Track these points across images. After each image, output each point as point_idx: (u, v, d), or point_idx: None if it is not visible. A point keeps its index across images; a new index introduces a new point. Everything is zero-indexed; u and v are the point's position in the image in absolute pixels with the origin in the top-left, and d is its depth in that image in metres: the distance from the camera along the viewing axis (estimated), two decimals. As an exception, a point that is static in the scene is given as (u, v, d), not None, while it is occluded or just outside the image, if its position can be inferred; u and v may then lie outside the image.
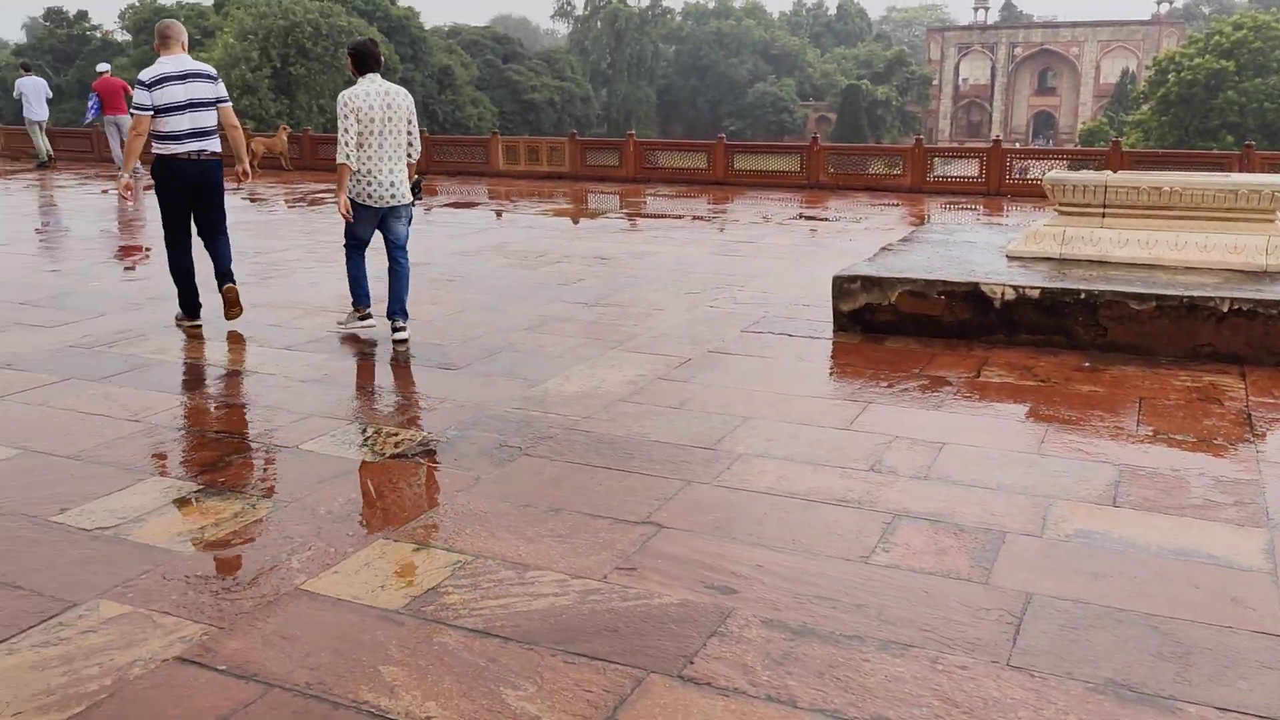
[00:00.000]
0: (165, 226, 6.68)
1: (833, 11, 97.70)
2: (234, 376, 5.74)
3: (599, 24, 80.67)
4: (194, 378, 5.81)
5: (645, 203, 14.26)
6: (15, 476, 4.28)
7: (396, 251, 6.54)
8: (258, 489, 4.16)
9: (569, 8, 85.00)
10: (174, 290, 6.85)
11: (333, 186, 6.60)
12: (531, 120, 65.32)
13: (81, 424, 4.95)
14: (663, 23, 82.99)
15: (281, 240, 10.43)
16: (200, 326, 6.81)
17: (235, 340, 6.51)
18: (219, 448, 4.63)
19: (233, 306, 6.70)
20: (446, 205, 13.76)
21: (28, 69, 20.51)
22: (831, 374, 5.88)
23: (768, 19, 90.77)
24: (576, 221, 12.54)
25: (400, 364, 5.97)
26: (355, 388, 5.61)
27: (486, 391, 5.41)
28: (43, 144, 19.41)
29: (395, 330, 6.41)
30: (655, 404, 5.19)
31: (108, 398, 5.37)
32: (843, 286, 6.54)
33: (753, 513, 3.89)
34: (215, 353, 6.24)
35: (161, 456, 4.55)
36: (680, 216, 12.78)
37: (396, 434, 4.78)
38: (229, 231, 6.88)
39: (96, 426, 4.92)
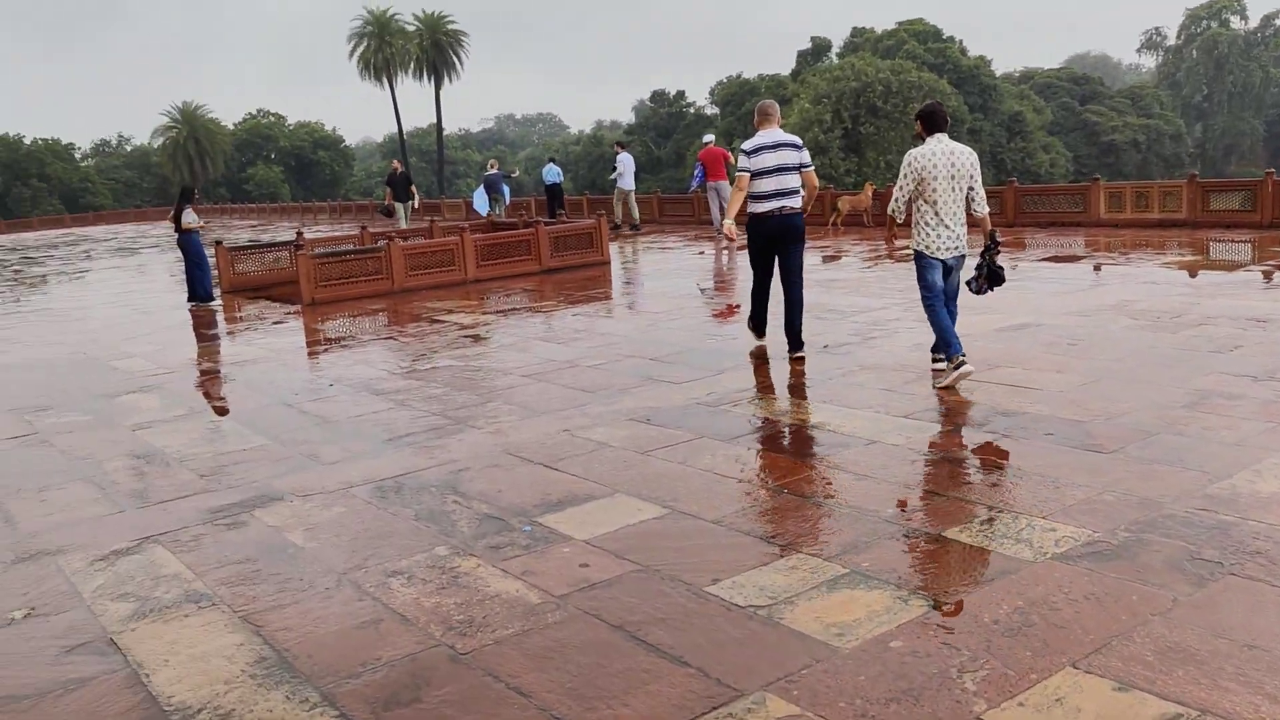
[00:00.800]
0: (752, 266, 7.98)
1: None
2: (857, 446, 5.50)
3: (1194, 53, 72.59)
4: (818, 445, 5.67)
5: (1290, 251, 11.98)
6: (668, 538, 4.37)
7: (949, 299, 6.80)
8: (905, 581, 3.78)
9: (1158, 38, 77.75)
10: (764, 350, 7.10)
11: (906, 242, 7.13)
12: (1110, 163, 60.40)
13: (718, 486, 5.01)
14: (1275, 44, 72.26)
15: (877, 298, 10.28)
16: (764, 346, 8.06)
17: (851, 404, 6.33)
18: (855, 526, 4.35)
19: (796, 366, 7.56)
20: (1043, 260, 12.74)
21: (623, 146, 23.42)
22: None
23: None
24: (1194, 275, 10.83)
25: (1039, 442, 5.30)
26: (992, 467, 5.05)
27: (1152, 484, 4.55)
28: (634, 210, 21.96)
29: (936, 363, 6.86)
30: (1404, 520, 3.95)
31: (738, 460, 5.42)
32: None
33: None
34: (834, 418, 6.09)
35: (800, 530, 4.38)
36: (1348, 268, 10.47)
37: (1054, 529, 4.13)
38: (804, 283, 7.83)
39: (732, 490, 4.94)
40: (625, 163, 21.95)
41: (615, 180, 22.13)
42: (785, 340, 7.77)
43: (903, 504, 4.59)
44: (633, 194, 22.24)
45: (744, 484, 5.03)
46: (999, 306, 9.00)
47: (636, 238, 20.72)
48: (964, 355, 6.50)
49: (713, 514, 4.61)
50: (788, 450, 5.63)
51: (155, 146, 74.08)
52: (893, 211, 6.79)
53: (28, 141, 71.19)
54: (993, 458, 5.17)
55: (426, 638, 3.60)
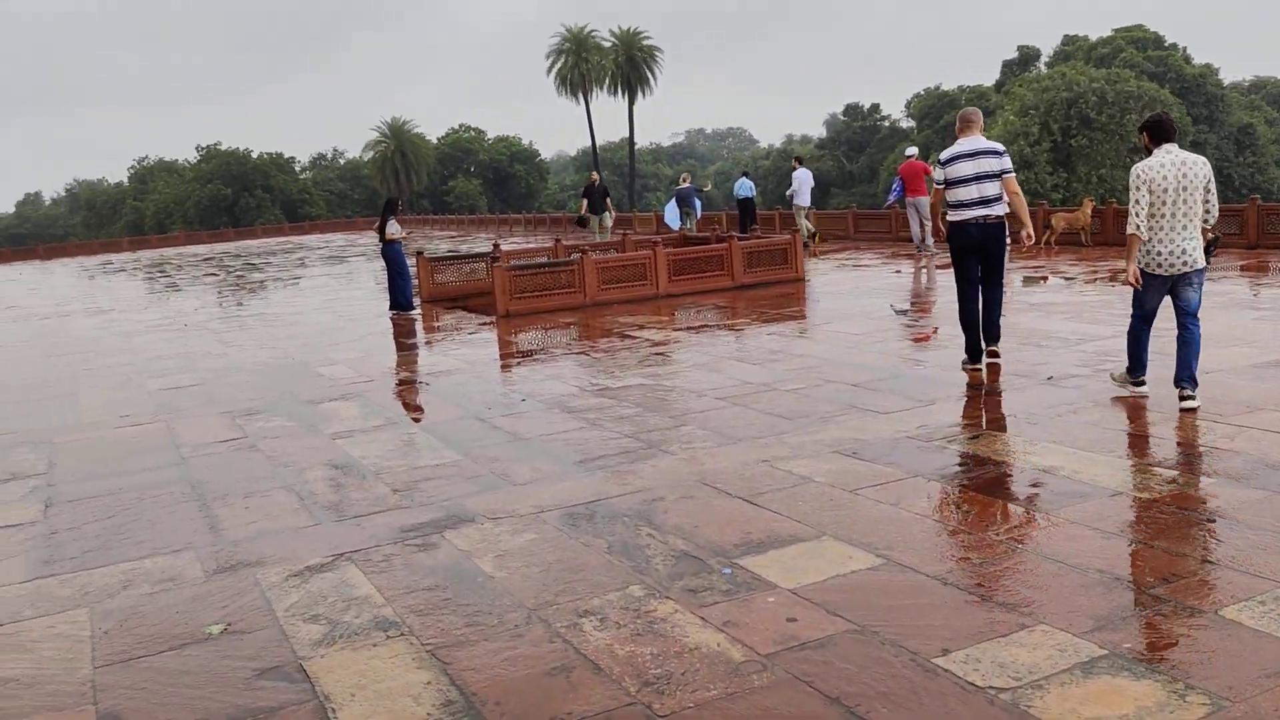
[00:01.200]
0: (956, 279, 7.75)
1: None
2: (1099, 497, 4.87)
3: None
4: (1052, 493, 5.05)
5: None
6: (885, 594, 3.92)
7: (1187, 319, 6.37)
8: (1177, 669, 3.20)
9: None
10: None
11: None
12: (1357, 179, 54.81)
13: (938, 535, 4.51)
14: None
15: (1105, 325, 9.37)
16: (980, 370, 7.70)
17: (1086, 446, 5.66)
18: (1109, 597, 3.77)
19: (991, 360, 7.74)
20: (1294, 285, 11.41)
21: (800, 161, 22.90)
22: None
23: None
24: None
25: (1323, 504, 4.52)
26: (1267, 532, 4.32)
27: None
28: (809, 225, 21.31)
29: (1183, 399, 6.27)
30: None
31: (959, 505, 4.90)
32: None
33: None
34: (1067, 461, 5.44)
35: (1041, 596, 3.82)
36: None
37: (1362, 617, 3.44)
38: (1004, 286, 7.90)
39: (955, 541, 4.43)
40: (801, 179, 21.45)
41: (792, 196, 21.65)
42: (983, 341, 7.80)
43: (1163, 572, 3.97)
44: (803, 210, 21.68)
45: (968, 534, 4.51)
46: (1252, 338, 8.03)
47: (817, 251, 20.09)
48: (1145, 380, 6.58)
49: (934, 568, 4.13)
50: (1016, 497, 5.05)
51: (366, 160, 78.41)
52: (1135, 230, 6.24)
53: (254, 155, 76.74)
54: (1268, 520, 4.43)
55: (621, 693, 3.29)
